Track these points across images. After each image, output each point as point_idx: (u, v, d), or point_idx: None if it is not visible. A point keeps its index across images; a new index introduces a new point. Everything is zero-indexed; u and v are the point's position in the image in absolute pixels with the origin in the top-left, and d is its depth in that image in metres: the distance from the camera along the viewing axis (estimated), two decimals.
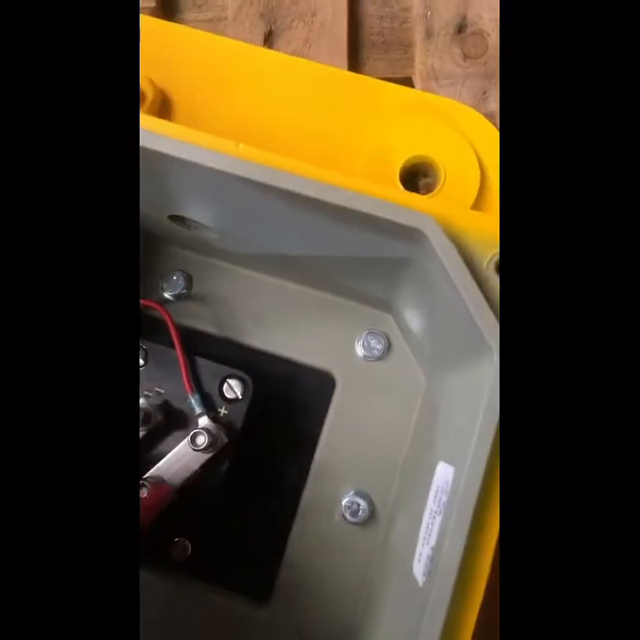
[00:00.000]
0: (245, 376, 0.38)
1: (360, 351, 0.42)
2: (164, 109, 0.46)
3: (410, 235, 0.26)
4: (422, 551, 0.26)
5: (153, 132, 0.27)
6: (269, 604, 0.39)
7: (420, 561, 0.26)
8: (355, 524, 0.39)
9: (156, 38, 0.47)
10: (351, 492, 0.40)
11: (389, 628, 0.32)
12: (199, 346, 0.41)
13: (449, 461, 0.26)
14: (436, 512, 0.26)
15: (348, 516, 0.39)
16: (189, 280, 0.43)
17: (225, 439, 0.36)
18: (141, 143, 0.27)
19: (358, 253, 0.32)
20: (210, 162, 0.26)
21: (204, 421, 0.36)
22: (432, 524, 0.26)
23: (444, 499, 0.25)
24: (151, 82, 0.45)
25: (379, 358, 0.41)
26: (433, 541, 0.25)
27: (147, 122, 0.28)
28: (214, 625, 0.39)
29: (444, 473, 0.26)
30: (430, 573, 0.24)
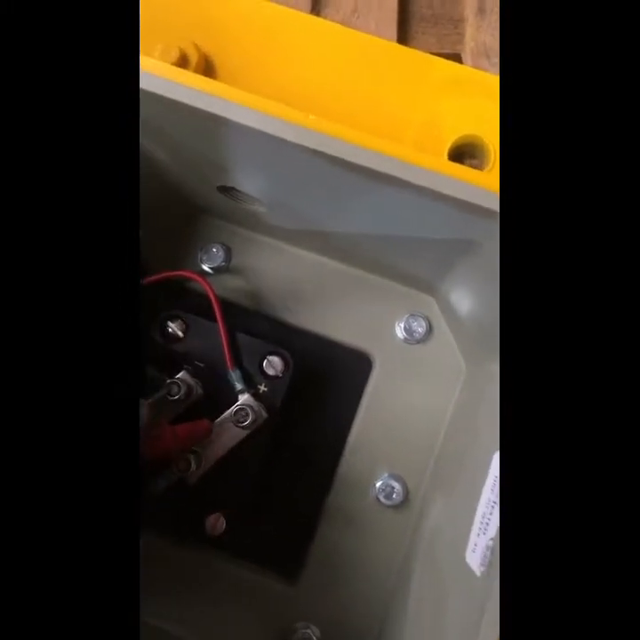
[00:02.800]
0: (287, 354, 0.37)
1: (400, 333, 0.41)
2: (208, 74, 0.45)
3: (484, 216, 0.25)
4: (478, 541, 0.26)
5: (214, 95, 0.26)
6: (299, 582, 0.39)
7: (475, 551, 0.26)
8: (388, 506, 0.39)
9: (201, 1, 0.45)
10: (385, 475, 0.39)
11: (424, 610, 0.32)
12: (235, 320, 0.40)
13: None
14: (494, 503, 0.25)
15: (381, 498, 0.39)
16: (229, 253, 0.42)
17: (265, 416, 0.36)
18: (199, 105, 0.25)
19: (422, 234, 0.31)
20: (278, 131, 0.25)
21: (245, 398, 0.35)
22: (490, 514, 0.25)
23: None
24: (195, 46, 0.44)
25: (419, 341, 0.41)
26: (492, 532, 0.25)
27: (207, 84, 0.27)
28: (243, 600, 0.39)
29: None
30: (491, 565, 0.24)
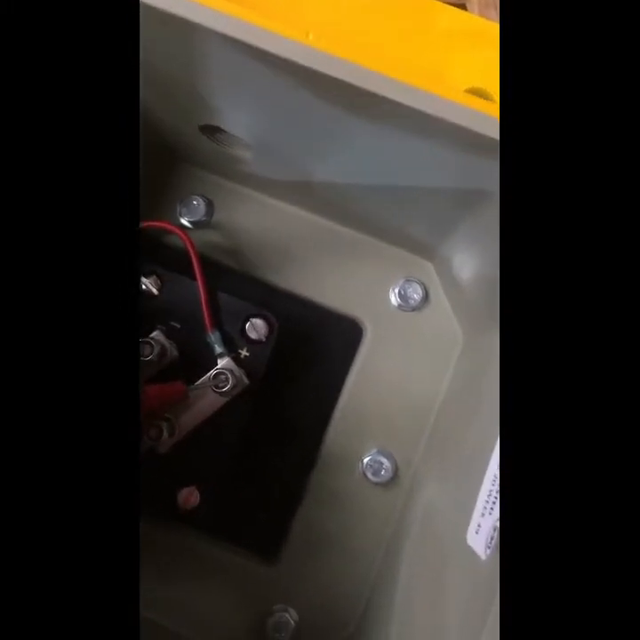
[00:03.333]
0: (272, 317, 0.34)
1: (394, 299, 0.38)
2: None
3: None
4: (482, 522, 0.23)
5: (203, 3, 0.22)
6: (279, 562, 0.36)
7: (478, 532, 0.23)
8: (376, 483, 0.36)
9: None
10: (374, 450, 0.37)
11: (417, 595, 0.30)
12: (216, 279, 0.36)
13: None
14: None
15: (369, 474, 0.36)
16: (211, 206, 0.38)
17: (246, 382, 0.33)
18: (184, 14, 0.22)
19: (423, 183, 0.28)
20: (273, 47, 0.21)
21: (225, 362, 0.32)
22: (497, 492, 0.23)
23: None
24: None
25: (414, 308, 0.38)
26: (498, 513, 0.22)
27: None
28: (218, 581, 0.36)
29: None
30: (496, 547, 0.21)
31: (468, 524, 0.24)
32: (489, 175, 0.24)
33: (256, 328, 0.34)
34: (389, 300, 0.38)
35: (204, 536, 0.36)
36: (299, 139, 0.29)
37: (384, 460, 0.36)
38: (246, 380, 0.32)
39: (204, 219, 0.38)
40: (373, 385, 0.37)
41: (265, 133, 0.30)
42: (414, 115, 0.22)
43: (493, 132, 0.22)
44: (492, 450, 0.26)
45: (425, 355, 0.38)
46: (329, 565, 0.36)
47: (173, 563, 0.36)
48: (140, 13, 0.21)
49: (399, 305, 0.38)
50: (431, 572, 0.28)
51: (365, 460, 0.36)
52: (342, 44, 0.40)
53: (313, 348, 0.38)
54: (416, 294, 0.38)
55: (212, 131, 0.32)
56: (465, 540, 0.24)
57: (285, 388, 0.37)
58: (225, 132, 0.31)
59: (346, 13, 0.40)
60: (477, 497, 0.24)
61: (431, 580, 0.28)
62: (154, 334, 0.32)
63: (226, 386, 0.31)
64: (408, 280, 0.38)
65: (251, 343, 0.34)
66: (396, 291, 0.38)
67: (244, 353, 0.34)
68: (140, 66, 0.24)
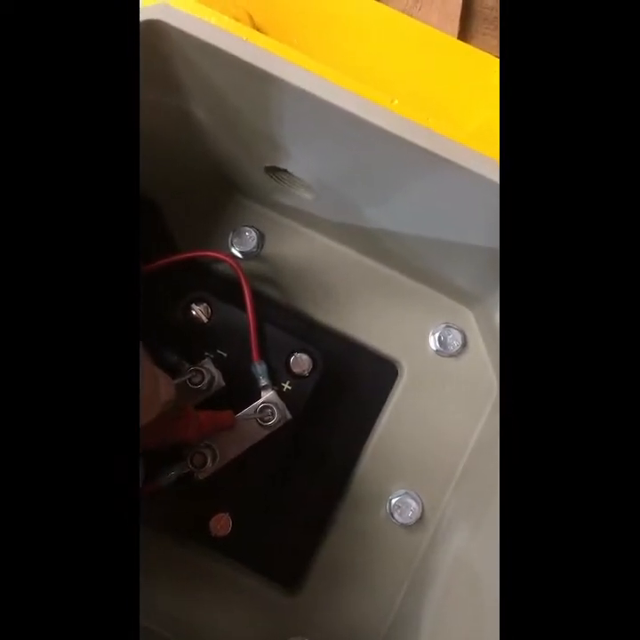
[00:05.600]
0: (316, 352, 0.35)
1: (433, 344, 0.39)
2: None
3: None
4: None
5: (287, 60, 0.23)
6: (300, 593, 0.37)
7: None
8: (401, 524, 0.37)
9: None
10: (402, 491, 0.37)
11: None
12: (262, 310, 0.37)
13: None
14: None
15: (395, 515, 0.37)
16: (262, 238, 0.39)
17: (288, 417, 0.33)
18: (269, 69, 0.23)
19: (472, 240, 0.29)
20: (363, 112, 0.22)
21: (269, 395, 0.33)
22: None
23: None
24: (249, 15, 0.41)
25: (452, 355, 0.39)
26: None
27: (265, 42, 0.24)
28: (239, 606, 0.36)
29: None
30: None
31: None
32: None
33: (300, 363, 0.35)
34: (428, 344, 0.39)
35: (230, 561, 0.36)
36: (360, 187, 0.30)
37: (411, 502, 0.37)
38: (289, 415, 0.33)
39: (254, 250, 0.39)
40: (406, 426, 0.38)
41: (328, 179, 0.31)
42: (471, 173, 0.23)
43: None
44: None
45: (459, 401, 0.38)
46: (348, 600, 0.37)
47: (198, 585, 0.36)
48: (234, 62, 0.22)
49: (437, 350, 0.39)
50: (468, 624, 0.28)
51: (393, 501, 0.37)
52: (420, 105, 0.41)
53: (349, 385, 0.39)
54: (455, 341, 0.39)
55: (277, 171, 0.33)
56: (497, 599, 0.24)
57: (320, 422, 0.38)
58: (290, 173, 0.32)
59: (402, 64, 0.42)
60: None
61: (469, 631, 0.28)
62: (204, 363, 0.33)
63: (271, 420, 0.32)
64: (448, 326, 0.39)
65: (293, 377, 0.35)
66: (436, 335, 0.39)
67: (286, 386, 0.35)
68: (217, 108, 0.25)
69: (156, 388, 0.27)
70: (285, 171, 0.32)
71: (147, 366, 0.26)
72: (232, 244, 0.39)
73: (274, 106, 0.25)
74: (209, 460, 0.31)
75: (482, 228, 0.28)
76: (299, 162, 0.30)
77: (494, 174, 0.22)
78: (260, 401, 0.32)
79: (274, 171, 0.33)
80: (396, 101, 0.23)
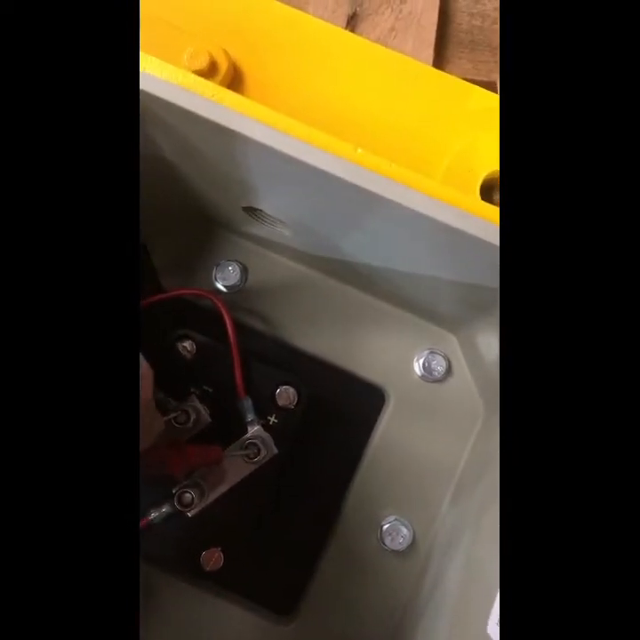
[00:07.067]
0: (301, 385, 0.36)
1: (418, 370, 0.39)
2: (236, 84, 0.43)
3: None
4: None
5: (241, 112, 0.24)
6: (294, 623, 0.37)
7: (498, 624, 0.24)
8: (393, 551, 0.37)
9: (234, 6, 0.43)
10: (393, 518, 0.38)
11: None
12: (247, 343, 0.38)
13: None
14: None
15: (387, 541, 0.37)
16: (245, 272, 0.40)
17: (275, 451, 0.34)
18: (234, 127, 0.23)
19: (450, 276, 0.30)
20: (324, 165, 0.23)
21: (255, 430, 0.34)
22: None
23: None
24: (226, 52, 0.42)
25: (437, 380, 0.39)
26: None
27: (232, 99, 0.25)
28: (234, 636, 0.37)
29: None
30: None
31: (490, 612, 0.25)
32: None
33: (285, 396, 0.35)
34: (413, 370, 0.39)
35: (223, 594, 0.37)
36: (333, 227, 0.30)
37: (402, 528, 0.37)
38: (275, 450, 0.34)
39: (238, 284, 0.40)
40: (394, 453, 0.39)
41: (302, 219, 0.32)
42: (441, 225, 0.23)
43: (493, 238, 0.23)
44: None
45: (446, 426, 0.39)
46: (342, 627, 0.37)
47: (191, 618, 0.37)
48: (200, 120, 0.23)
49: (422, 375, 0.39)
50: None
51: (384, 527, 0.37)
52: (372, 132, 0.42)
53: (337, 414, 0.39)
54: (440, 366, 0.39)
55: (254, 210, 0.33)
56: (486, 629, 0.25)
57: (308, 450, 0.38)
58: (266, 212, 0.33)
59: (377, 94, 0.42)
60: (497, 585, 0.25)
61: None
62: (190, 400, 0.34)
63: (257, 456, 0.32)
64: (432, 352, 0.39)
65: (279, 410, 0.35)
66: (420, 361, 0.39)
67: (272, 419, 0.35)
68: (182, 145, 0.26)
69: (154, 416, 0.27)
70: (261, 210, 0.33)
71: (144, 391, 0.27)
72: (216, 279, 0.40)
73: (240, 157, 0.26)
74: (196, 498, 0.31)
75: (465, 267, 0.29)
76: (271, 203, 0.31)
77: (451, 220, 0.23)
78: (245, 437, 0.33)
79: (251, 210, 0.34)
80: (360, 150, 0.24)
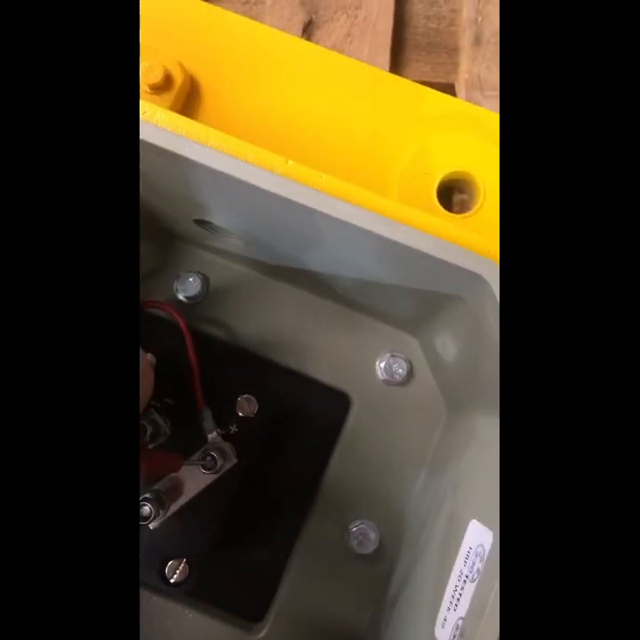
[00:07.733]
0: (261, 394, 0.36)
1: (380, 374, 0.39)
2: (192, 96, 0.43)
3: (468, 277, 0.23)
4: (448, 616, 0.24)
5: (191, 139, 0.24)
6: (264, 629, 0.37)
7: (444, 627, 0.24)
8: (360, 554, 0.37)
9: (188, 19, 0.44)
10: (359, 522, 0.38)
11: None
12: (209, 353, 0.38)
13: (485, 522, 0.25)
14: (467, 577, 0.24)
15: (354, 545, 0.37)
16: (206, 283, 0.40)
17: (234, 460, 0.34)
18: (175, 149, 0.24)
19: (404, 284, 0.30)
20: (255, 180, 0.23)
21: (214, 439, 0.34)
22: (462, 589, 0.24)
23: (479, 565, 0.23)
24: (181, 66, 0.42)
25: (399, 383, 0.39)
26: (463, 611, 0.23)
27: (184, 124, 0.26)
28: None
29: (478, 535, 0.24)
30: None
31: (437, 615, 0.25)
32: (460, 286, 0.26)
33: (246, 405, 0.36)
34: (376, 374, 0.40)
35: (190, 606, 0.37)
36: (284, 240, 0.31)
37: (369, 532, 0.37)
38: (235, 459, 0.34)
39: (199, 294, 0.40)
40: (359, 456, 0.39)
41: (252, 231, 0.32)
42: (403, 249, 0.24)
43: (464, 261, 0.23)
44: (464, 531, 0.27)
45: (410, 428, 0.39)
46: (313, 633, 0.37)
47: (157, 630, 0.37)
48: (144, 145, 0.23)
49: (385, 379, 0.39)
50: None
51: (351, 531, 0.38)
52: (329, 139, 0.42)
53: (301, 420, 0.39)
54: (401, 369, 0.39)
55: (205, 223, 0.34)
56: (433, 632, 0.25)
57: (273, 458, 0.38)
58: (216, 225, 0.33)
59: (333, 102, 0.43)
60: (445, 589, 0.25)
61: None
62: (150, 414, 0.34)
63: (214, 467, 0.32)
64: (393, 355, 0.39)
65: (240, 419, 0.36)
66: (382, 365, 0.39)
67: (233, 429, 0.36)
68: (143, 174, 0.27)
69: None
70: (211, 223, 0.33)
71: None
72: (177, 291, 0.40)
73: (176, 172, 0.26)
74: (154, 511, 0.31)
75: (416, 277, 0.29)
76: (218, 217, 0.31)
77: (382, 229, 0.23)
78: (202, 448, 0.33)
79: (202, 222, 0.34)
80: (291, 162, 0.24)
